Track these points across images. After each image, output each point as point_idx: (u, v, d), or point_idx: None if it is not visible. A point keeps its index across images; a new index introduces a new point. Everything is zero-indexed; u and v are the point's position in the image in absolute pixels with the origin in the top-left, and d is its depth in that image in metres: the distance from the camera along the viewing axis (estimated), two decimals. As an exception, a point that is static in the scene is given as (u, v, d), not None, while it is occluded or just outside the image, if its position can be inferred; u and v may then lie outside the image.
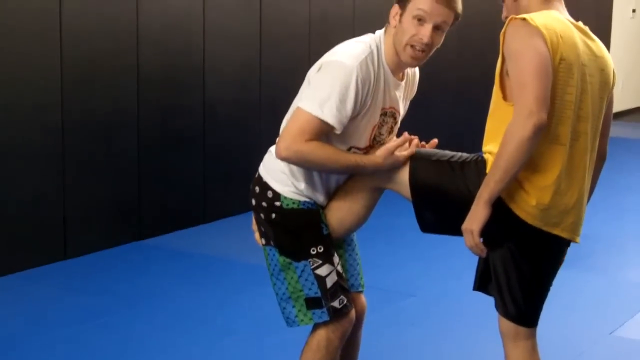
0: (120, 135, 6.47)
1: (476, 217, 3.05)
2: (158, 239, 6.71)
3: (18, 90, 5.76)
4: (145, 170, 6.64)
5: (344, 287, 3.39)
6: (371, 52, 3.25)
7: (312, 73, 3.28)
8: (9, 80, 5.71)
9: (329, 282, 3.33)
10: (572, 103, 3.08)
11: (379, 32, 3.33)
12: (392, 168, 3.27)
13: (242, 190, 7.17)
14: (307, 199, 3.35)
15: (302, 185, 3.33)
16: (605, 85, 3.23)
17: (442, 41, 3.28)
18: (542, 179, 3.09)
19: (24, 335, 4.89)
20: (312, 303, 3.34)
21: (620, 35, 13.92)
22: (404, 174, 3.25)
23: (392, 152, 3.24)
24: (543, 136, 3.03)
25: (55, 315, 5.17)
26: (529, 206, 3.09)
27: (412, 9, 3.20)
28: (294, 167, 3.30)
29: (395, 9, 3.26)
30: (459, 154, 3.28)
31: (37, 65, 5.85)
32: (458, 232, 3.14)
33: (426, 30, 3.19)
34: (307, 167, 3.26)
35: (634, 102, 14.94)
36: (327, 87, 3.17)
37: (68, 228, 6.13)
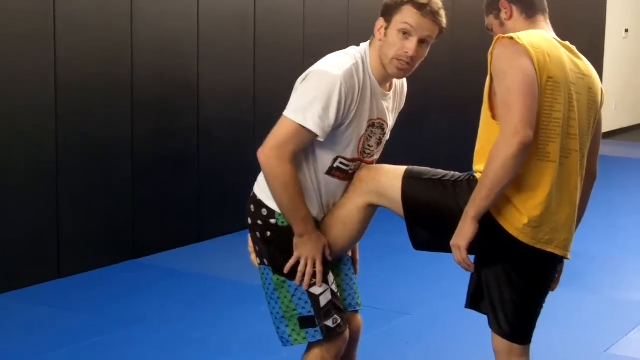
0: (115, 156, 6.47)
1: (463, 233, 3.08)
2: (152, 257, 6.69)
3: (13, 113, 5.76)
4: (139, 190, 6.64)
5: (339, 306, 3.38)
6: (356, 63, 3.27)
7: (298, 82, 3.31)
8: (4, 104, 5.71)
9: (323, 301, 3.33)
10: (560, 120, 3.11)
11: (364, 45, 3.36)
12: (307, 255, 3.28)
13: (236, 210, 7.17)
14: None
15: None
16: (593, 104, 3.25)
17: (426, 54, 3.30)
18: (533, 197, 3.11)
19: (17, 354, 4.87)
20: (305, 322, 3.33)
21: (613, 54, 13.97)
22: (396, 192, 3.26)
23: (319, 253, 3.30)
24: (532, 153, 3.05)
25: (49, 334, 5.15)
26: (521, 224, 3.10)
27: (397, 23, 3.22)
28: None
29: (381, 22, 3.29)
30: (451, 172, 3.30)
31: (31, 89, 5.85)
32: (449, 249, 3.15)
33: (412, 44, 3.21)
34: (268, 181, 3.26)
35: (626, 121, 14.97)
36: (311, 95, 3.20)
37: (62, 246, 6.12)
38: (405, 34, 3.21)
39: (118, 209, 6.53)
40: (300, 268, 3.30)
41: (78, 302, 5.71)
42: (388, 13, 3.26)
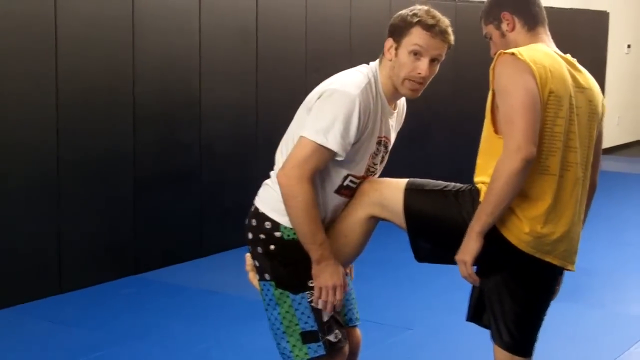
0: (117, 171, 6.47)
1: (468, 248, 3.10)
2: (154, 273, 6.69)
3: (15, 128, 5.78)
4: (141, 205, 6.64)
5: (339, 321, 3.38)
6: (369, 82, 3.27)
7: (311, 101, 3.27)
8: (5, 119, 5.72)
9: (326, 316, 3.32)
10: (561, 134, 3.12)
11: (374, 63, 3.35)
12: (328, 284, 3.30)
13: (238, 225, 7.14)
14: None
15: None
16: (594, 116, 3.26)
17: (437, 70, 3.31)
18: (534, 209, 3.12)
19: (19, 369, 4.87)
20: (307, 337, 3.32)
21: (615, 70, 13.98)
22: (398, 204, 3.26)
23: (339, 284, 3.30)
24: (534, 167, 3.06)
25: (50, 349, 5.15)
26: (523, 233, 3.11)
27: (408, 44, 3.23)
28: None
29: (390, 42, 3.28)
30: (452, 183, 3.31)
31: (33, 104, 5.87)
32: (452, 260, 3.16)
33: (423, 65, 3.23)
34: (287, 204, 3.22)
35: (629, 136, 14.98)
36: (331, 115, 3.17)
37: (64, 261, 6.12)
38: (417, 54, 3.23)
39: (120, 224, 6.53)
40: (323, 298, 3.28)
41: (80, 318, 5.70)
42: (397, 34, 3.26)
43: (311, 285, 3.30)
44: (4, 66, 5.68)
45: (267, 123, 7.47)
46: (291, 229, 3.31)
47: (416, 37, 3.22)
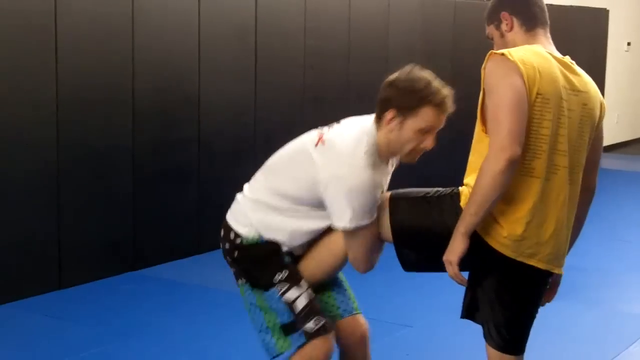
0: (116, 168, 6.48)
1: (454, 249, 3.11)
2: (152, 269, 6.70)
3: (15, 125, 5.78)
4: (140, 202, 6.64)
5: (318, 309, 3.42)
6: (370, 150, 3.27)
7: (320, 173, 3.26)
8: (5, 115, 5.72)
9: (300, 305, 3.38)
10: (548, 137, 3.11)
11: (369, 126, 3.33)
12: None
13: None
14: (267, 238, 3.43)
15: (268, 235, 3.41)
16: (588, 119, 3.24)
17: None
18: (514, 211, 3.12)
19: (18, 365, 4.88)
20: (287, 329, 3.40)
21: (615, 68, 13.98)
22: (385, 217, 3.29)
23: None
24: (517, 169, 3.05)
25: (49, 345, 5.15)
26: (501, 237, 3.12)
27: (417, 122, 3.23)
28: (261, 218, 3.42)
29: (392, 114, 3.25)
30: (435, 189, 3.33)
31: (32, 100, 5.87)
32: (439, 268, 3.18)
33: (431, 139, 3.28)
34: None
35: (628, 134, 14.98)
36: (362, 198, 3.21)
37: (63, 258, 6.13)
38: (426, 132, 3.26)
39: (119, 220, 6.54)
40: None
41: (78, 313, 5.71)
42: (403, 108, 3.24)
43: (278, 278, 3.39)
44: (4, 62, 5.68)
45: (265, 121, 7.47)
46: (252, 237, 3.43)
47: (426, 118, 3.24)
